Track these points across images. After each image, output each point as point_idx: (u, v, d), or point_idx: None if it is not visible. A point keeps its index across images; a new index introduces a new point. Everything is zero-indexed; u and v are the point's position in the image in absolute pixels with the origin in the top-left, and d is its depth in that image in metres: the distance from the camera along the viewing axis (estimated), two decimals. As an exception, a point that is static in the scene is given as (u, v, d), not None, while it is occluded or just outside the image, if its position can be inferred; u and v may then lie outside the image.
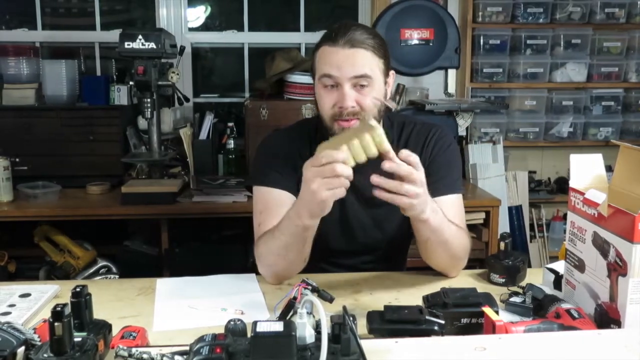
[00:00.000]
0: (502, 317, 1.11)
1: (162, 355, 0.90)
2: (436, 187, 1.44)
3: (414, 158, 1.22)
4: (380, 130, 1.20)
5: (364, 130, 1.20)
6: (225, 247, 2.66)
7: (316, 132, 1.57)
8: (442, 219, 1.36)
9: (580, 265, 1.16)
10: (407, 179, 1.20)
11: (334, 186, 1.20)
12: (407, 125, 1.61)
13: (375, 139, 1.19)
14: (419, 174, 1.22)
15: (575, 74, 3.32)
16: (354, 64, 1.42)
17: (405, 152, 1.21)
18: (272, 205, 1.49)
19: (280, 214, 1.44)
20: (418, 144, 1.57)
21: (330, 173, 1.19)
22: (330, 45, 1.43)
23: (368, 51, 1.43)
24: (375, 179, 1.20)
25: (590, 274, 1.13)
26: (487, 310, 1.09)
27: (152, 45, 2.49)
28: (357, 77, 1.41)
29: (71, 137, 2.80)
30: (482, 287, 1.36)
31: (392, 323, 1.06)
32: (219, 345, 0.86)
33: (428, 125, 1.63)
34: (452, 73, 2.88)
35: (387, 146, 1.20)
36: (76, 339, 0.88)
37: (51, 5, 3.33)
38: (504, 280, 1.42)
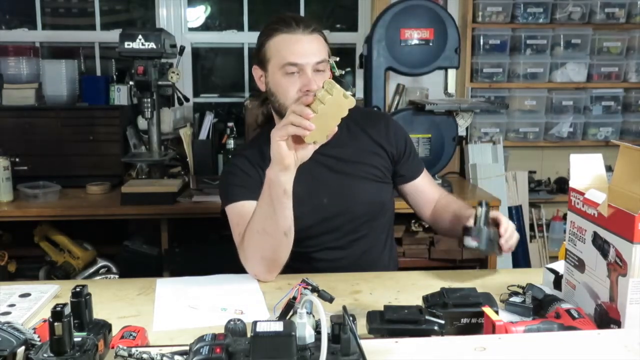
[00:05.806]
0: (502, 317, 1.11)
1: (162, 355, 0.90)
2: (414, 169, 1.68)
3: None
4: (329, 84, 1.26)
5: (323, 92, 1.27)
6: (225, 247, 2.64)
7: (267, 141, 1.51)
8: None
9: (580, 265, 1.16)
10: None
11: (286, 131, 1.28)
12: None
13: (334, 90, 1.25)
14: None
15: (575, 74, 3.32)
16: (316, 50, 1.46)
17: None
18: (246, 214, 1.48)
19: None
20: (377, 130, 1.64)
21: (283, 123, 1.29)
22: (289, 32, 1.45)
23: (321, 37, 1.49)
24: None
25: (590, 274, 1.12)
26: (487, 310, 1.09)
27: (152, 45, 2.49)
28: (318, 63, 1.45)
29: (71, 137, 2.80)
30: (482, 287, 1.36)
31: (392, 323, 1.06)
32: (219, 345, 0.86)
33: (375, 113, 1.72)
34: (452, 73, 2.87)
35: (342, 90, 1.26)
36: (76, 339, 0.88)
37: (51, 5, 3.33)
38: (477, 243, 1.40)
